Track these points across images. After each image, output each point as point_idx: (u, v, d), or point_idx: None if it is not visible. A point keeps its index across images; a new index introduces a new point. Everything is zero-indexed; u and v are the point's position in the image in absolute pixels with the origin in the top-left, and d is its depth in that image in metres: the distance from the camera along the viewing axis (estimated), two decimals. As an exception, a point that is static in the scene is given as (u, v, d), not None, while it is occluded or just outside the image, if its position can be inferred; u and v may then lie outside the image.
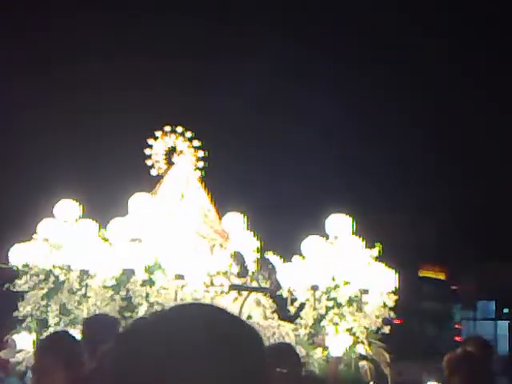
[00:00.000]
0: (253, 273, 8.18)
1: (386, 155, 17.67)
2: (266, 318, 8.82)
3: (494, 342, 25.64)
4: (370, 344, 8.00)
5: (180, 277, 7.57)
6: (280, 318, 8.77)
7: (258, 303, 8.83)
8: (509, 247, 20.96)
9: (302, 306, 8.33)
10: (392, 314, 8.14)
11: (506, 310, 26.09)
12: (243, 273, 7.85)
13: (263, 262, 7.84)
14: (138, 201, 8.08)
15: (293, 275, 8.15)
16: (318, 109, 16.39)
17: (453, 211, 19.29)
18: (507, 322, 25.66)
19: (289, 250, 8.55)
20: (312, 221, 8.52)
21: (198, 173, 9.50)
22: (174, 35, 15.93)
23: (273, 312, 8.92)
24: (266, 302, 8.93)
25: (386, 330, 8.08)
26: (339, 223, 8.43)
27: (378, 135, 17.20)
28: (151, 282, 7.55)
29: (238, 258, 7.97)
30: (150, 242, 7.79)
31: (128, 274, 7.49)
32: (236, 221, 9.72)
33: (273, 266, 7.84)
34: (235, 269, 8.13)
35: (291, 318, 8.52)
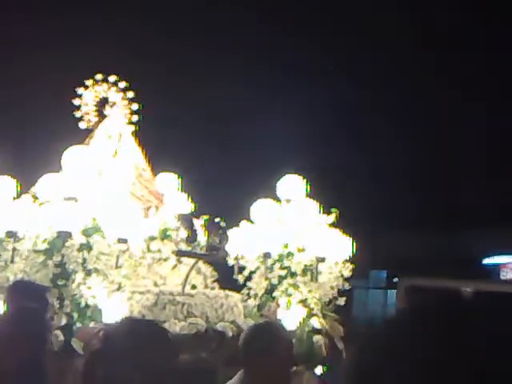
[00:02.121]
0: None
1: (340, 118, 17.02)
2: (206, 287, 8.11)
3: (385, 309, 26.15)
4: (324, 317, 7.42)
5: (122, 241, 6.73)
6: (221, 288, 8.08)
7: (199, 271, 8.10)
8: (399, 219, 20.96)
9: (249, 276, 7.66)
10: (346, 285, 7.57)
11: (396, 280, 26.33)
12: (192, 238, 7.07)
13: (213, 227, 7.08)
14: (72, 155, 7.15)
15: (241, 241, 7.44)
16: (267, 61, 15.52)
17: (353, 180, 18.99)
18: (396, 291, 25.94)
19: (235, 215, 7.82)
20: (262, 183, 7.80)
21: (132, 127, 8.63)
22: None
23: (213, 281, 8.22)
24: (207, 270, 8.21)
25: (342, 301, 7.51)
26: (292, 186, 7.77)
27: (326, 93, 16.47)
28: (89, 247, 6.67)
29: (186, 221, 7.18)
30: (86, 202, 6.89)
31: (63, 237, 6.58)
32: (169, 182, 8.93)
33: (224, 232, 7.09)
34: (183, 233, 7.36)
35: (236, 288, 7.84)
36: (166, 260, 7.92)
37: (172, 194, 8.75)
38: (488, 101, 18.14)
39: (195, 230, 7.07)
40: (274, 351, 4.15)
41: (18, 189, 7.43)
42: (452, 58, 17.81)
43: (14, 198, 7.44)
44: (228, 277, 8.19)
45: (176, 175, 9.02)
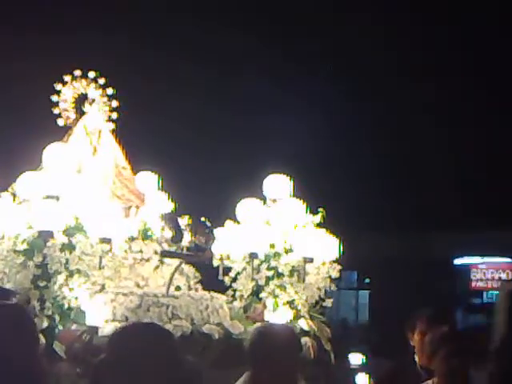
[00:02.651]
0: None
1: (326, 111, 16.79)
2: (189, 288, 7.90)
3: (356, 311, 26.11)
4: (312, 318, 7.26)
5: (105, 240, 6.51)
6: (205, 289, 7.88)
7: (181, 273, 7.89)
8: (369, 220, 20.97)
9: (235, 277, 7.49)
10: (333, 286, 7.43)
11: (367, 280, 26.33)
12: (177, 238, 6.87)
13: (199, 227, 6.88)
14: (53, 152, 6.91)
15: (227, 242, 7.26)
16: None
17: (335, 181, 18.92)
18: (368, 292, 25.97)
19: (218, 215, 7.64)
20: (247, 182, 7.63)
21: (111, 125, 8.39)
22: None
23: (197, 283, 8.01)
24: (190, 271, 8.01)
25: (329, 302, 7.36)
26: (278, 185, 7.61)
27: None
28: (71, 247, 6.44)
29: (171, 221, 6.98)
30: (68, 200, 6.66)
31: (44, 236, 6.35)
32: (149, 181, 8.71)
33: (211, 231, 6.90)
34: (168, 233, 7.15)
35: (220, 290, 7.65)
36: (147, 261, 7.71)
37: (152, 193, 8.54)
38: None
39: (180, 230, 6.86)
40: (280, 354, 4.00)
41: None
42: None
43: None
44: (211, 278, 8.01)
45: (155, 174, 8.81)
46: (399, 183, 20.19)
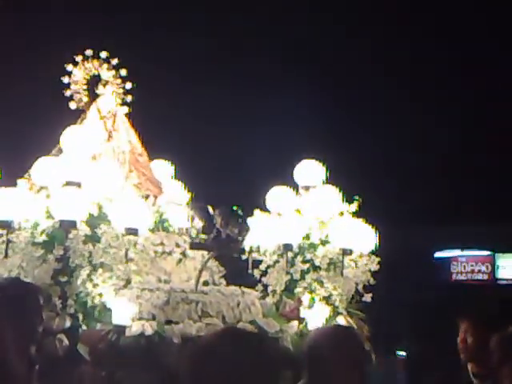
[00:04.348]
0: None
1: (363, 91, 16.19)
2: (214, 283, 7.35)
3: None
4: (350, 315, 6.74)
5: (132, 231, 5.94)
6: (229, 284, 7.33)
7: (204, 266, 7.31)
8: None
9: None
10: (371, 280, 6.90)
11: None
12: (209, 229, 6.30)
13: (230, 216, 6.31)
14: (73, 136, 6.33)
15: (258, 233, 6.71)
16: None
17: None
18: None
19: (245, 204, 7.08)
20: (276, 169, 7.09)
21: (125, 108, 7.81)
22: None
23: (221, 277, 7.46)
24: (213, 264, 7.45)
25: (368, 298, 6.83)
26: (311, 171, 7.08)
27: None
28: (96, 238, 5.86)
29: (202, 210, 6.41)
30: (89, 188, 6.09)
31: (66, 226, 5.76)
32: (163, 169, 8.17)
33: (244, 221, 6.34)
34: (198, 224, 6.58)
35: (244, 284, 7.10)
36: (169, 254, 7.15)
37: (167, 182, 8.02)
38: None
39: (212, 220, 6.28)
40: (339, 355, 3.55)
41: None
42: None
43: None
44: (235, 272, 7.49)
45: (169, 162, 8.28)
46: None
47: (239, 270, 7.27)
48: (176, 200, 7.83)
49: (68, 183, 5.97)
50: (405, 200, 19.63)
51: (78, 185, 5.98)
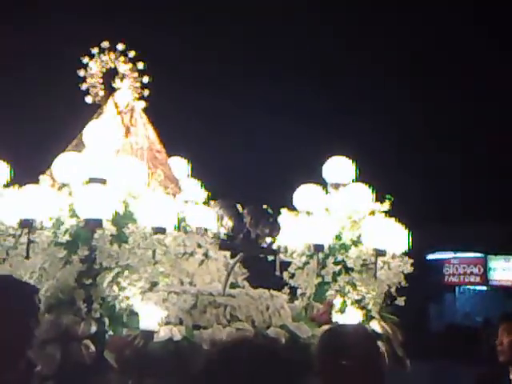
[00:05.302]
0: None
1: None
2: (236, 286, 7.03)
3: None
4: (383, 319, 6.44)
5: (160, 231, 5.62)
6: (252, 287, 7.03)
7: (227, 267, 7.00)
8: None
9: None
10: (403, 283, 6.61)
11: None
12: (239, 228, 5.97)
13: (261, 215, 5.99)
14: (94, 130, 5.99)
15: (288, 233, 6.41)
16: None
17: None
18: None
19: (271, 203, 6.76)
20: (304, 166, 6.78)
21: (143, 103, 7.49)
22: None
23: (244, 279, 7.15)
24: (236, 266, 7.12)
25: (401, 301, 6.53)
26: (340, 168, 6.78)
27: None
28: (123, 238, 5.54)
29: (231, 208, 6.08)
30: (113, 185, 5.76)
31: (92, 226, 5.43)
32: (180, 167, 7.87)
33: (275, 220, 6.02)
34: (227, 223, 6.25)
35: (268, 287, 6.79)
36: (191, 255, 6.83)
37: (183, 180, 7.72)
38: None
39: (242, 219, 5.96)
40: (354, 355, 3.29)
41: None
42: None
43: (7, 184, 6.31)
44: (258, 273, 7.20)
45: (186, 160, 7.98)
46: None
47: (264, 271, 6.97)
48: (193, 199, 7.54)
49: (92, 180, 5.63)
50: (397, 202, 19.47)
51: (103, 181, 5.64)
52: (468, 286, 25.39)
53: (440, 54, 16.78)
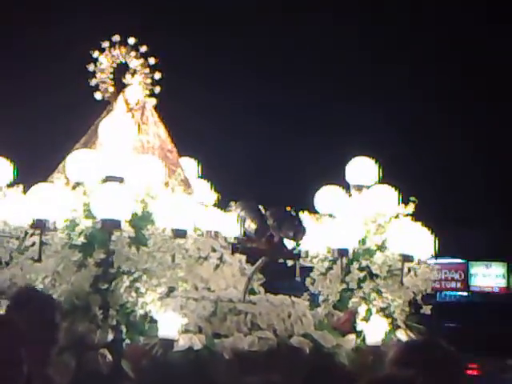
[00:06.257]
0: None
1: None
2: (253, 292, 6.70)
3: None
4: (410, 328, 6.14)
5: (180, 233, 5.30)
6: (268, 292, 6.70)
7: (243, 273, 6.69)
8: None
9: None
10: (429, 290, 6.32)
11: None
12: (261, 231, 5.66)
13: (284, 217, 5.68)
14: (110, 127, 5.67)
15: (309, 236, 6.09)
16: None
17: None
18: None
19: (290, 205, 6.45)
20: (325, 167, 6.48)
21: (154, 100, 7.15)
22: None
23: (260, 285, 6.82)
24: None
25: (427, 310, 6.24)
26: (363, 170, 6.49)
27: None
28: (142, 241, 5.21)
29: (253, 210, 5.76)
30: (130, 184, 5.44)
31: (109, 227, 5.09)
32: (190, 168, 7.55)
33: (300, 223, 5.71)
34: (250, 226, 5.93)
35: (284, 293, 6.48)
36: (205, 259, 6.50)
37: (194, 181, 7.40)
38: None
39: (266, 221, 5.64)
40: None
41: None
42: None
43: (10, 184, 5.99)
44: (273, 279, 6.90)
45: (195, 160, 7.67)
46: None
47: (280, 277, 6.67)
48: (203, 201, 7.22)
49: (108, 178, 5.30)
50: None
51: (121, 180, 5.31)
52: (449, 292, 25.44)
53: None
